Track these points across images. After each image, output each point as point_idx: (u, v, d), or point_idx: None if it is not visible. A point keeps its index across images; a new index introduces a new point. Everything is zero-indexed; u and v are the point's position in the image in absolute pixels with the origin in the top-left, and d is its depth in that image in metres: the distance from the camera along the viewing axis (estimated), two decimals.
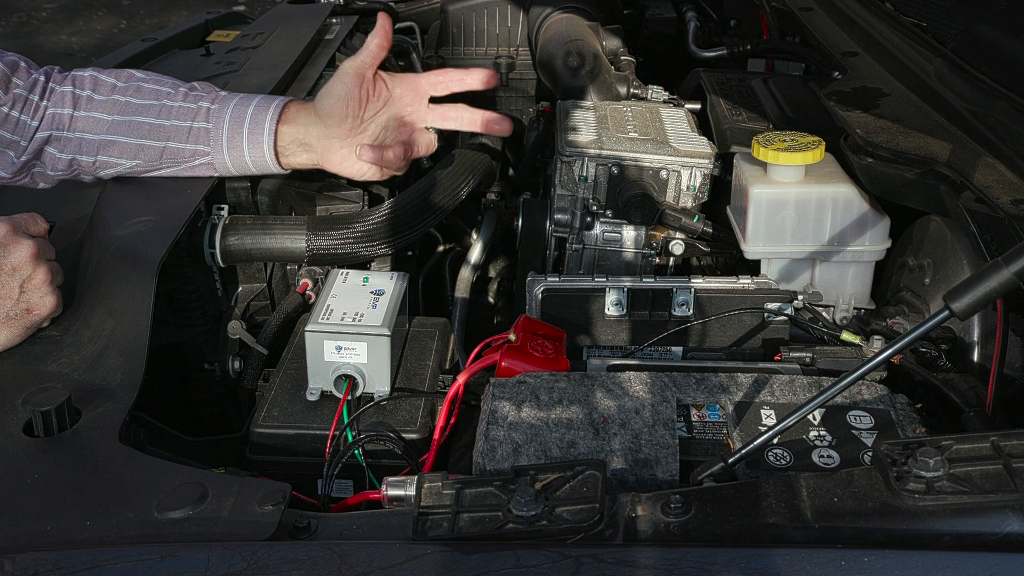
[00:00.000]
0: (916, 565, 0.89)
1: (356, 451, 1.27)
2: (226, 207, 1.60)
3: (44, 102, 1.55)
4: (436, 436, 1.28)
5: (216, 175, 1.58)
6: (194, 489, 1.05)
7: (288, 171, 1.61)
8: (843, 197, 1.49)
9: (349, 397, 1.32)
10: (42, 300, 1.32)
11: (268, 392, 1.37)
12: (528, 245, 1.83)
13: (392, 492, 1.08)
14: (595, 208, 1.71)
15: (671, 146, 1.72)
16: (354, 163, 1.59)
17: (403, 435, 1.29)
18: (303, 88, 2.00)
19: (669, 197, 1.72)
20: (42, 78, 1.56)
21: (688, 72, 2.17)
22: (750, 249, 1.53)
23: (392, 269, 1.62)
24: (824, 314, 1.48)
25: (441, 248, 2.14)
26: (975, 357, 1.30)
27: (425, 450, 1.28)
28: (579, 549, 0.93)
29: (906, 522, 0.92)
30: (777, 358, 1.39)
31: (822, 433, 1.15)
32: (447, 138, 2.60)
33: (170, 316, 1.53)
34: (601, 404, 1.20)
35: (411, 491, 1.06)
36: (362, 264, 1.60)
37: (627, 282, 1.47)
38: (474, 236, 1.99)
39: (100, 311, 1.36)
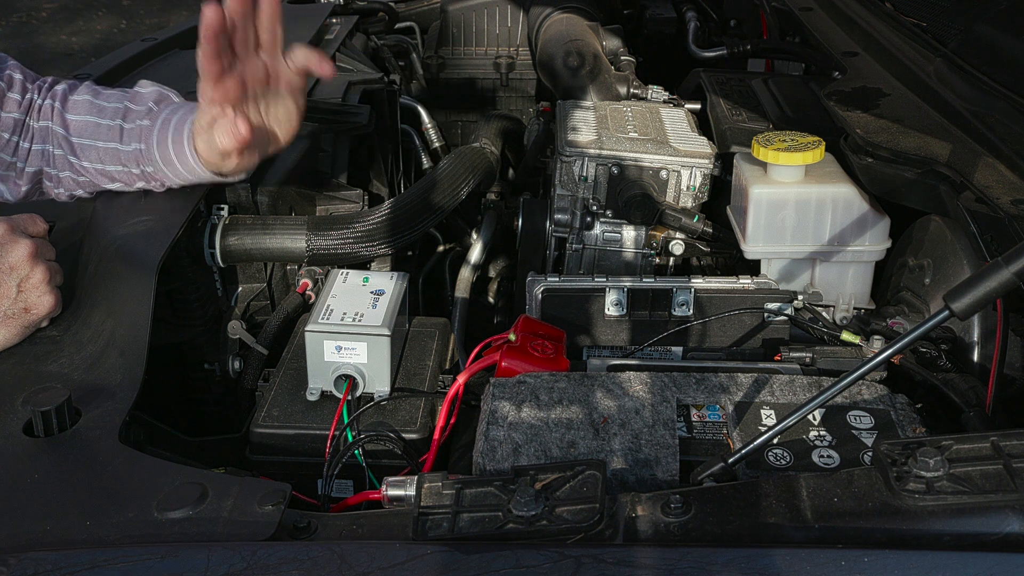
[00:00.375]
0: (916, 565, 0.89)
1: (356, 451, 1.27)
2: (226, 207, 1.60)
3: (34, 123, 1.54)
4: (436, 436, 1.28)
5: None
6: (194, 489, 1.05)
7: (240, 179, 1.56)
8: (843, 197, 1.49)
9: (349, 397, 1.32)
10: (40, 299, 1.32)
11: (268, 392, 1.37)
12: (528, 245, 1.83)
13: (392, 492, 1.08)
14: (595, 208, 1.71)
15: (671, 146, 1.72)
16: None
17: (403, 435, 1.28)
18: None
19: (669, 197, 1.72)
20: (36, 97, 1.55)
21: (688, 72, 2.17)
22: (750, 249, 1.53)
23: (392, 269, 1.62)
24: (824, 314, 1.48)
25: (441, 248, 2.14)
26: (975, 357, 1.30)
27: (425, 450, 1.28)
28: (579, 549, 0.93)
29: (906, 522, 0.92)
30: (777, 358, 1.39)
31: (822, 433, 1.15)
32: (447, 138, 2.61)
33: (170, 316, 1.53)
34: (601, 404, 1.20)
35: (411, 491, 1.06)
36: (362, 264, 1.60)
37: (627, 282, 1.47)
38: (474, 236, 1.99)
39: (100, 311, 1.36)
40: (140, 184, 1.53)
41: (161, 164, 1.49)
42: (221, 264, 1.56)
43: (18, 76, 1.55)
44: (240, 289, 1.64)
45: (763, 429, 1.09)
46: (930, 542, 0.91)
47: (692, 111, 1.98)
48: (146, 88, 1.57)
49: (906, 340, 1.04)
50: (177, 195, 1.54)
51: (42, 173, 1.56)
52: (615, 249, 1.73)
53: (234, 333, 1.53)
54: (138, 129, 1.50)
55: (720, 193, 1.74)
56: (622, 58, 2.28)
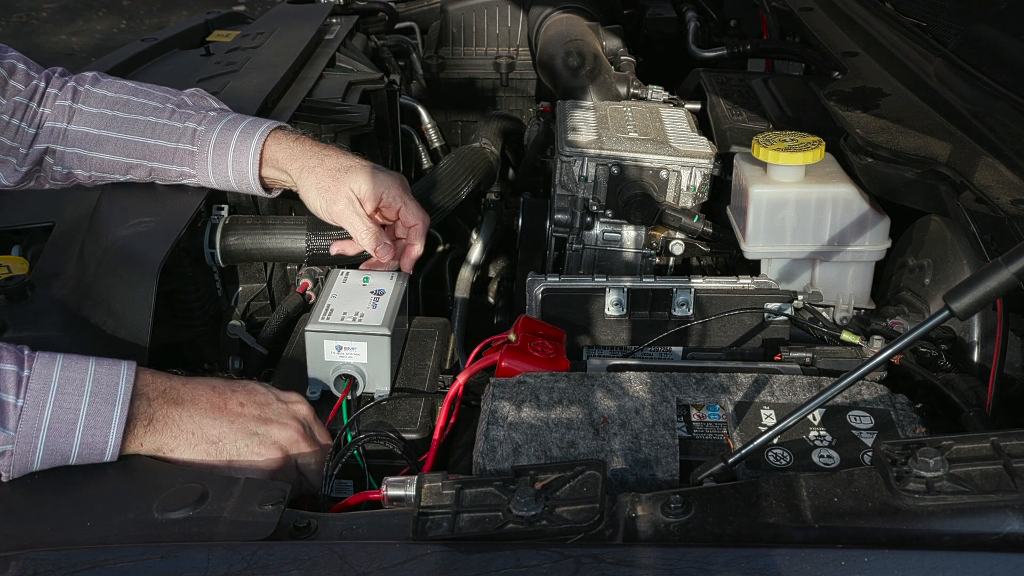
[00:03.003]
0: (916, 565, 0.89)
1: (356, 451, 1.27)
2: (226, 207, 1.60)
3: (42, 108, 1.53)
4: (436, 436, 1.28)
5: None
6: (194, 489, 1.05)
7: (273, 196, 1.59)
8: (843, 197, 1.49)
9: (349, 397, 1.32)
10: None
11: None
12: (528, 245, 1.83)
13: (392, 492, 1.08)
14: (595, 208, 1.71)
15: (671, 146, 1.72)
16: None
17: (403, 435, 1.28)
18: (303, 88, 2.00)
19: (669, 197, 1.72)
20: (42, 84, 1.54)
21: (688, 72, 2.17)
22: (750, 249, 1.53)
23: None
24: (824, 314, 1.48)
25: (441, 248, 2.14)
26: (975, 357, 1.30)
27: (425, 450, 1.28)
28: (579, 549, 0.93)
29: (906, 522, 0.92)
30: (777, 358, 1.39)
31: (822, 433, 1.15)
32: (447, 138, 2.61)
33: (170, 316, 1.53)
34: (601, 404, 1.20)
35: (411, 491, 1.06)
36: None
37: (627, 282, 1.47)
38: (474, 236, 1.99)
39: (101, 311, 1.36)
40: (155, 164, 1.53)
41: (211, 150, 1.50)
42: (221, 264, 1.56)
43: (21, 65, 1.54)
44: (240, 289, 1.64)
45: (763, 429, 1.09)
46: (930, 542, 0.91)
47: (692, 111, 1.98)
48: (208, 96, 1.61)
49: (906, 340, 1.04)
50: (178, 196, 1.54)
51: (46, 152, 1.54)
52: (615, 249, 1.73)
53: (234, 333, 1.53)
54: (200, 115, 1.53)
55: (720, 193, 1.74)
56: (622, 58, 2.28)
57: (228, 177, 1.52)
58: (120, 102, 1.55)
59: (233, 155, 1.50)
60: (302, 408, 1.25)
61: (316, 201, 1.48)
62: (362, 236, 1.47)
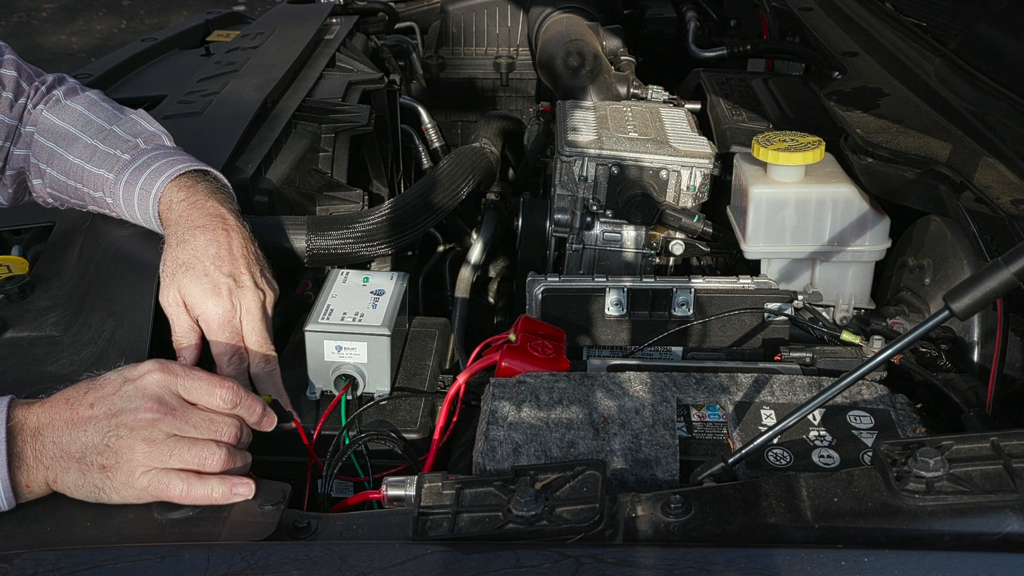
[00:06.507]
0: (916, 565, 0.89)
1: (351, 453, 1.27)
2: None
3: (24, 128, 1.49)
4: (436, 436, 1.28)
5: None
6: None
7: None
8: (843, 197, 1.49)
9: (349, 397, 1.32)
10: None
11: None
12: (528, 245, 1.83)
13: (392, 492, 1.08)
14: (595, 208, 1.71)
15: (671, 146, 1.72)
16: None
17: (403, 435, 1.28)
18: (303, 88, 2.00)
19: (669, 197, 1.72)
20: (30, 104, 1.50)
21: (688, 72, 2.17)
22: (750, 249, 1.53)
23: (392, 269, 1.62)
24: (824, 314, 1.48)
25: (441, 248, 2.14)
26: (975, 357, 1.30)
27: (425, 450, 1.28)
28: (579, 549, 0.93)
29: (906, 522, 0.92)
30: (777, 358, 1.39)
31: (822, 433, 1.15)
32: (447, 138, 2.61)
33: None
34: (601, 404, 1.20)
35: (411, 491, 1.06)
36: (362, 264, 1.60)
37: (627, 282, 1.47)
38: (474, 236, 1.99)
39: (101, 312, 1.36)
40: (93, 208, 1.48)
41: (121, 201, 1.42)
42: None
43: (11, 73, 1.48)
44: None
45: (763, 429, 1.09)
46: (930, 542, 0.91)
47: (692, 111, 1.98)
48: (143, 120, 1.50)
49: (906, 340, 1.04)
50: None
51: (22, 175, 1.52)
52: (615, 249, 1.73)
53: None
54: (113, 158, 1.43)
55: (720, 193, 1.74)
56: (622, 58, 2.28)
57: (137, 217, 1.44)
58: (68, 137, 1.47)
59: (139, 212, 1.42)
60: (152, 377, 1.12)
61: (160, 276, 1.33)
62: (178, 336, 1.31)
